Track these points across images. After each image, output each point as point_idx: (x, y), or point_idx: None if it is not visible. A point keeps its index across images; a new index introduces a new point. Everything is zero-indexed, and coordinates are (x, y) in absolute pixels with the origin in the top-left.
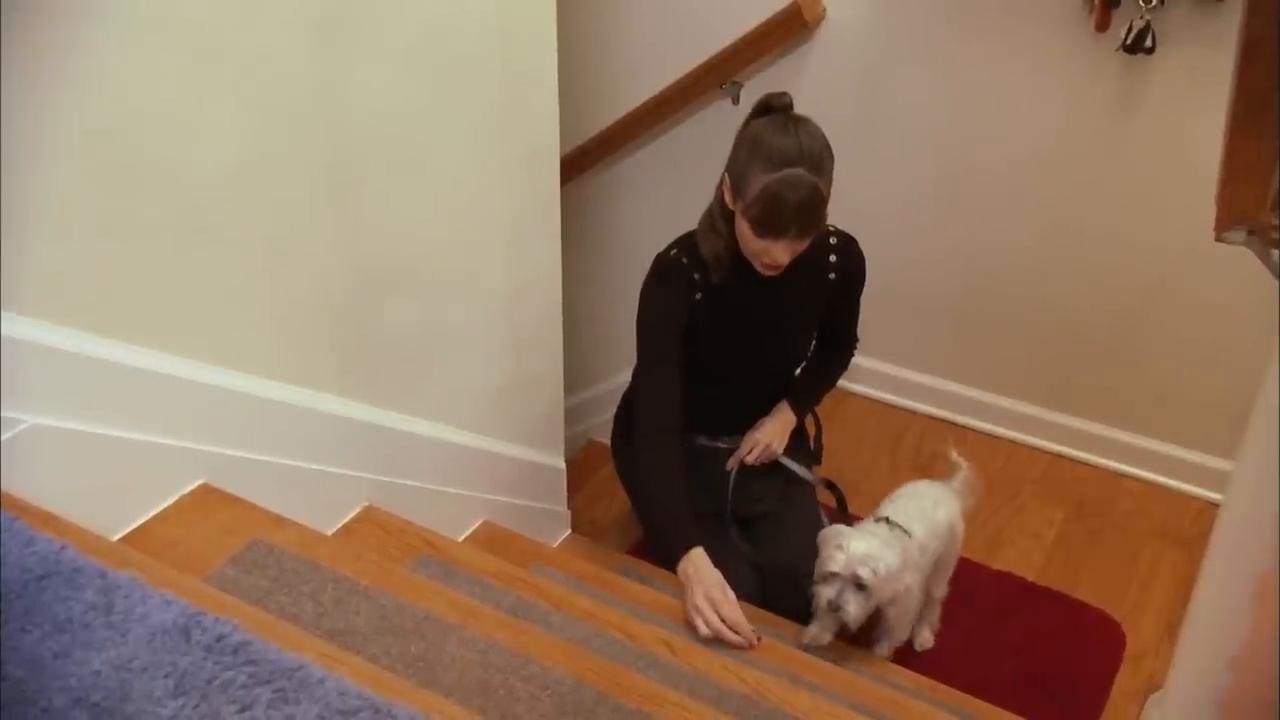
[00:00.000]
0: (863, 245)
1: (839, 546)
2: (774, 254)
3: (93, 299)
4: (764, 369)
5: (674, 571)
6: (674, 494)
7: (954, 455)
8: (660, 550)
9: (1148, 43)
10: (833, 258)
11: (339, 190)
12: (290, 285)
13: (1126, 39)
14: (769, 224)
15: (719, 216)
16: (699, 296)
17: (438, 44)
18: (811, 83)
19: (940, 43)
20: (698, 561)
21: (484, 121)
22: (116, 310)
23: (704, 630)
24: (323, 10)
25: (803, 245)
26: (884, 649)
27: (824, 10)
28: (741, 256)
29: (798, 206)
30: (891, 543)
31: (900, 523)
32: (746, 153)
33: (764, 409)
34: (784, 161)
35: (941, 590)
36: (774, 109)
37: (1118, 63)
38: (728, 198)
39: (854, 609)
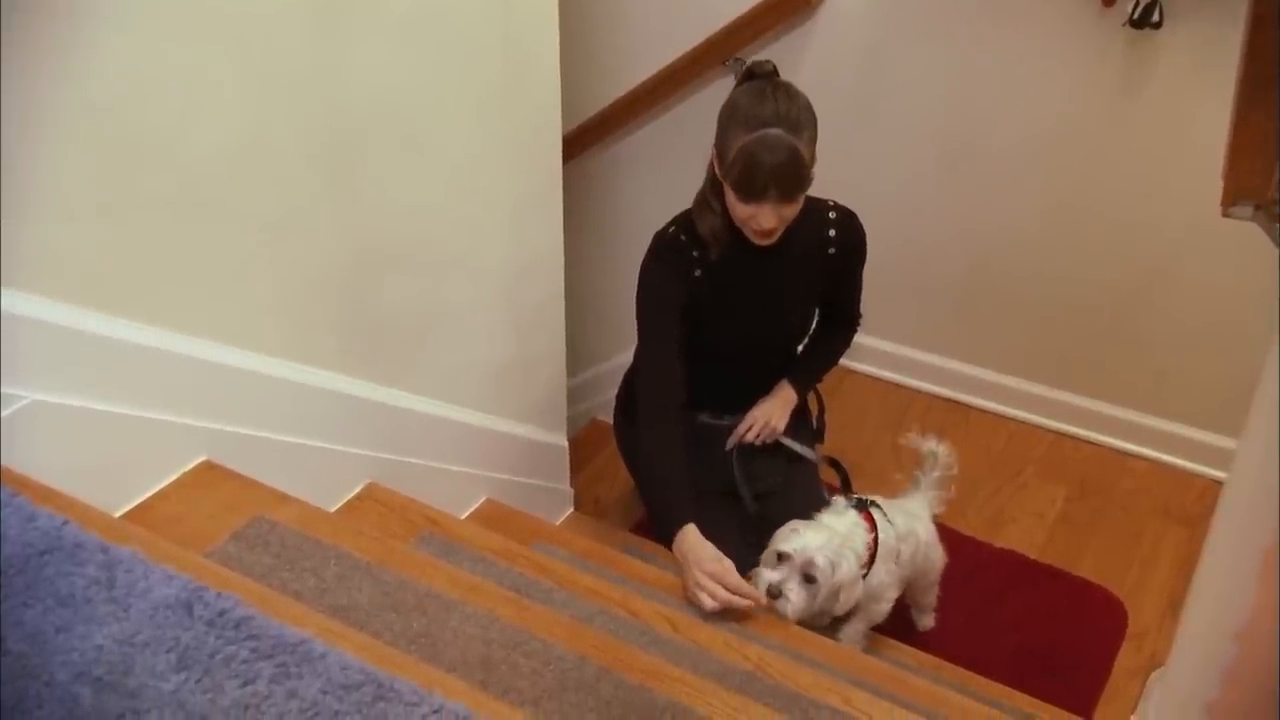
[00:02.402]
0: (866, 224)
1: (795, 531)
2: (760, 219)
3: (93, 275)
4: (766, 344)
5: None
6: (672, 472)
7: (933, 444)
8: (658, 527)
9: (1155, 17)
10: (832, 232)
11: (339, 167)
12: (291, 262)
13: (1134, 13)
14: (748, 186)
15: (710, 193)
16: (698, 274)
17: (438, 20)
18: (814, 60)
19: (944, 18)
20: (691, 539)
21: (485, 99)
22: (117, 286)
23: (710, 605)
24: None
25: (790, 209)
26: (850, 633)
27: None
28: (739, 232)
29: (775, 167)
30: (851, 547)
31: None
32: (726, 119)
33: (766, 385)
34: (760, 123)
35: (931, 595)
36: (756, 75)
37: (1124, 38)
38: (716, 168)
39: (795, 599)
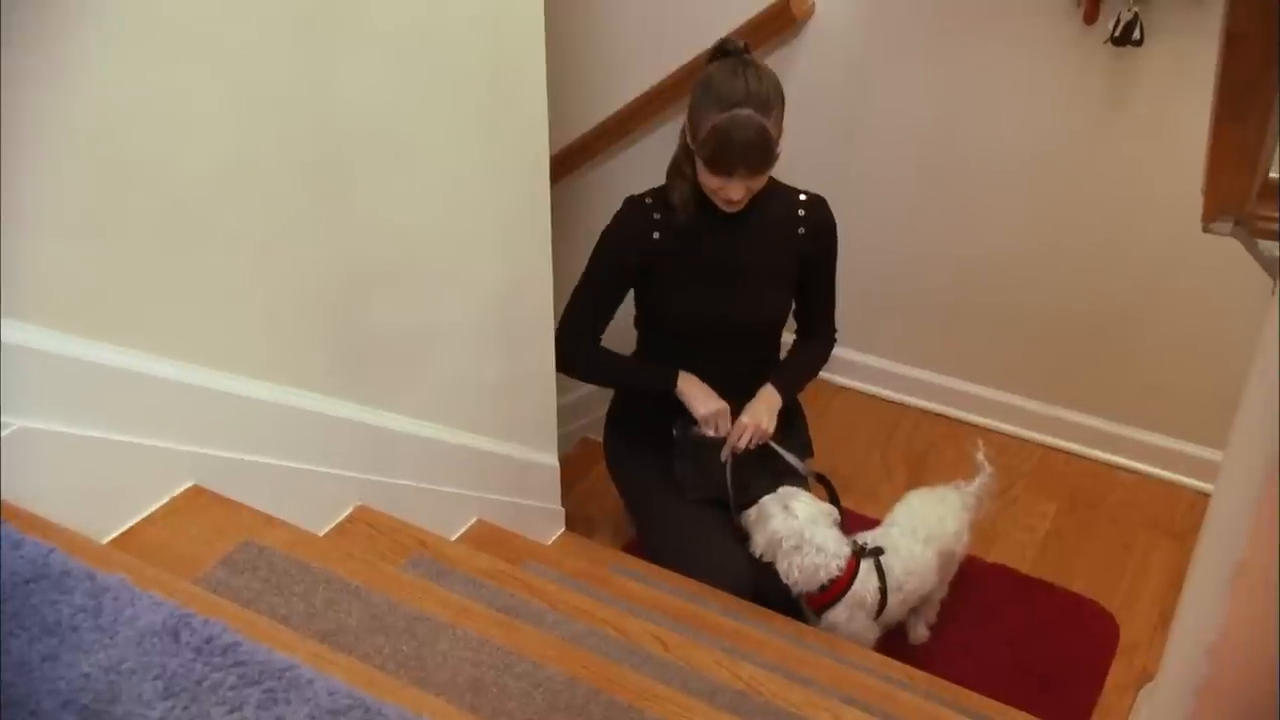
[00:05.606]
0: (853, 239)
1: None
2: (729, 191)
3: (80, 300)
4: (738, 328)
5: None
6: (626, 360)
7: (979, 457)
8: (657, 395)
9: (1136, 35)
10: (801, 212)
11: (328, 187)
12: (279, 284)
13: (1115, 31)
14: (719, 162)
15: (683, 160)
16: (657, 235)
17: (425, 40)
18: (801, 78)
19: (929, 36)
20: (690, 386)
21: (473, 118)
22: (104, 311)
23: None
24: (308, 6)
25: (758, 182)
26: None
27: (812, 6)
28: (708, 200)
29: (745, 145)
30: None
31: (899, 543)
32: (699, 95)
33: (746, 385)
34: (732, 102)
35: (940, 591)
36: (728, 53)
37: (1106, 55)
38: (689, 140)
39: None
